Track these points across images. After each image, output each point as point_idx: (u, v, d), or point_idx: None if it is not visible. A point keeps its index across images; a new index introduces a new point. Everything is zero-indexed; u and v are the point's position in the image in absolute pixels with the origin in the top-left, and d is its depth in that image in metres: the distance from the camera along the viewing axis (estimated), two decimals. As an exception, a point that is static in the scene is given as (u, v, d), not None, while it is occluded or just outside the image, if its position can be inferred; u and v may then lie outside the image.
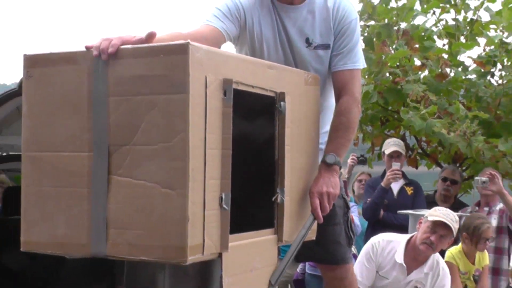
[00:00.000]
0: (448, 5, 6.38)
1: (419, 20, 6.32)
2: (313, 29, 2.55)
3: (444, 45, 6.39)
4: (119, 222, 1.91)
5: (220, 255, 1.99)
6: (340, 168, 2.50)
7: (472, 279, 4.45)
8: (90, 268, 3.45)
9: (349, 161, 5.76)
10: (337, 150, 2.45)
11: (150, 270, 3.73)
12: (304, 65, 2.55)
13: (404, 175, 5.31)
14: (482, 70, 6.11)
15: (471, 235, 4.32)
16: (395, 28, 6.13)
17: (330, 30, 2.55)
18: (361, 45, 2.66)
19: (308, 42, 2.55)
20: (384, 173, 5.24)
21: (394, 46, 6.06)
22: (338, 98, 2.57)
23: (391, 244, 3.92)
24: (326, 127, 2.55)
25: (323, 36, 2.56)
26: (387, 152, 5.33)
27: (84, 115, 1.96)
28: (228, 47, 2.54)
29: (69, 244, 1.99)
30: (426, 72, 6.07)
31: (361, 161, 5.78)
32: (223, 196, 1.96)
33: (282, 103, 2.23)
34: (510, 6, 6.17)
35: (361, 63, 2.62)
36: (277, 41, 2.55)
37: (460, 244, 4.46)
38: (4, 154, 3.55)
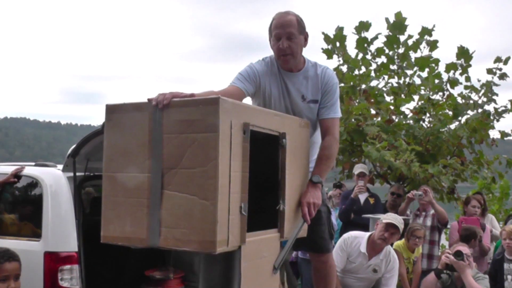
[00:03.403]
0: (392, 73, 6.37)
1: (374, 83, 6.29)
2: (306, 89, 2.48)
3: (391, 100, 6.34)
4: (168, 223, 1.84)
5: (239, 247, 1.91)
6: (322, 185, 2.41)
7: (411, 262, 4.39)
8: (149, 254, 3.35)
9: (331, 192, 5.66)
10: (321, 172, 2.37)
11: (189, 255, 3.65)
12: (299, 114, 2.48)
13: (368, 189, 5.17)
14: (416, 117, 6.07)
15: (408, 234, 4.28)
16: (358, 88, 6.10)
17: (318, 90, 2.48)
18: (339, 100, 2.59)
19: (303, 98, 2.48)
20: (354, 188, 5.11)
21: (357, 101, 6.01)
22: (323, 137, 2.49)
23: (357, 239, 3.80)
24: (314, 156, 2.47)
25: (313, 94, 2.49)
26: (356, 172, 5.20)
27: (146, 147, 1.90)
28: (247, 100, 2.49)
29: (133, 238, 1.91)
30: (379, 119, 6.00)
31: (338, 185, 5.70)
32: (242, 205, 1.90)
33: (283, 140, 2.17)
34: (433, 74, 6.16)
35: (340, 114, 2.55)
36: (281, 97, 2.49)
37: (403, 239, 4.36)
38: (92, 174, 3.48)
